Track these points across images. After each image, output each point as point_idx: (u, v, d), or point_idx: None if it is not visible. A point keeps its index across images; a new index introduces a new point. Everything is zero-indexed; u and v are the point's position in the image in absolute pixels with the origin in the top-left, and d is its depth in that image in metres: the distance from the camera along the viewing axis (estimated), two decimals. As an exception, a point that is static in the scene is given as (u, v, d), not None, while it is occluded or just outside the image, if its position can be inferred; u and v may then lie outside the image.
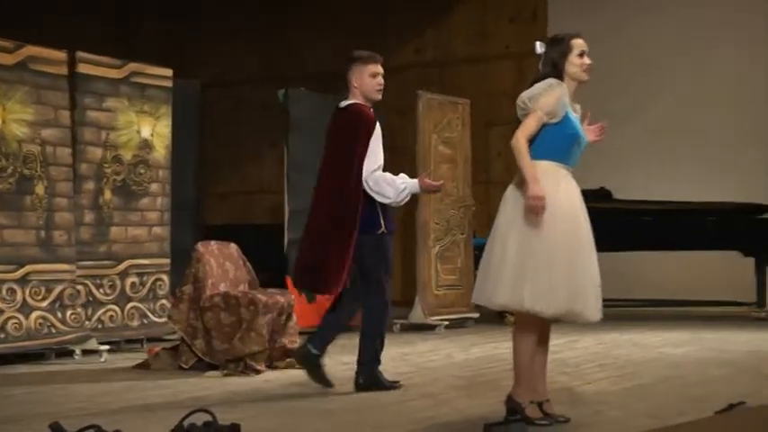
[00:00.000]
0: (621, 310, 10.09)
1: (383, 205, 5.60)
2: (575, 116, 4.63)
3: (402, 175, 5.69)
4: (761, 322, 9.58)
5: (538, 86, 4.55)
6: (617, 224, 9.99)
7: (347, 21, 13.29)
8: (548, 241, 4.42)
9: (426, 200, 9.21)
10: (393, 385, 5.68)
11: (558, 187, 4.50)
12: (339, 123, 5.68)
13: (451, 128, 9.60)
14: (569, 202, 4.52)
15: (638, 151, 11.21)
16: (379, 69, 5.66)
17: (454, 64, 12.54)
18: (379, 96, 5.66)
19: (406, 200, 5.63)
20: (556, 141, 4.53)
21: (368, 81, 5.63)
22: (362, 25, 13.18)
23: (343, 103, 5.72)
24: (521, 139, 4.48)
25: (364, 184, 5.49)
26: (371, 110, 5.68)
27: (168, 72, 8.30)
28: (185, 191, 8.92)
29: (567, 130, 4.53)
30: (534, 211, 4.40)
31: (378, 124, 5.62)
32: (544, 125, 4.51)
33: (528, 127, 4.49)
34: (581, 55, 4.60)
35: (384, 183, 5.52)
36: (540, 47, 4.70)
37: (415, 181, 5.65)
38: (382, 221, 5.61)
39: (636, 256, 10.49)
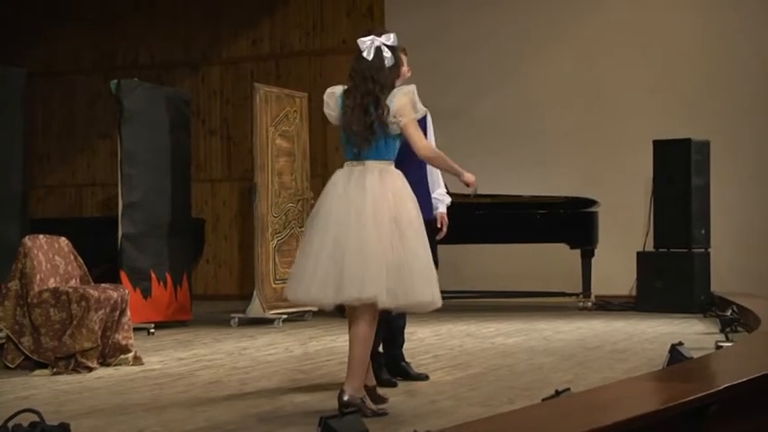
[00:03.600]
0: (456, 302, 10.32)
1: None
2: None
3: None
4: (587, 311, 9.99)
5: (410, 93, 4.63)
6: (451, 217, 10.17)
7: (181, 11, 13.08)
8: (376, 238, 4.47)
9: (264, 193, 9.16)
10: (390, 381, 5.54)
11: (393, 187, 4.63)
12: None
13: (289, 121, 9.58)
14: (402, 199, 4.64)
15: (472, 146, 11.46)
16: None
17: (291, 57, 12.52)
18: None
19: None
20: (401, 150, 4.71)
21: None
22: (197, 16, 13.00)
23: None
24: (430, 147, 4.76)
25: None
26: None
27: (-11, 58, 7.94)
28: (11, 183, 8.57)
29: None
30: (473, 182, 4.85)
31: None
32: (393, 136, 4.62)
33: (421, 135, 4.68)
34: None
35: None
36: (393, 39, 4.76)
37: None
38: None
39: (470, 249, 10.75)
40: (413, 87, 4.70)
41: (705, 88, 10.71)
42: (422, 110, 4.67)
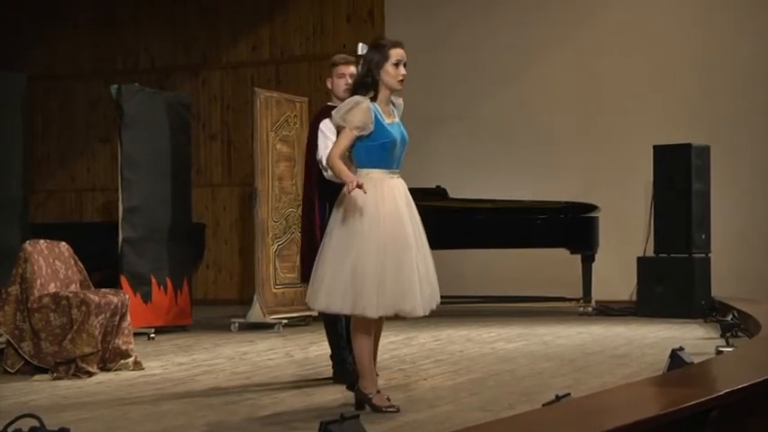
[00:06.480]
0: (456, 307, 10.31)
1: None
2: (390, 121, 4.87)
3: None
4: (587, 316, 9.98)
5: (345, 105, 4.83)
6: (451, 222, 10.22)
7: (181, 15, 13.08)
8: (371, 245, 4.68)
9: (264, 198, 9.16)
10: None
11: (382, 192, 4.78)
12: None
13: (289, 126, 9.59)
14: (393, 204, 4.79)
15: (472, 150, 11.47)
16: (346, 70, 5.81)
17: (291, 61, 12.52)
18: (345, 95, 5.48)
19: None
20: (373, 151, 4.82)
21: (336, 81, 5.88)
22: (197, 20, 13.01)
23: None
24: (334, 157, 4.77)
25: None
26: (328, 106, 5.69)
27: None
28: (11, 187, 8.57)
29: (380, 139, 4.82)
30: (350, 189, 4.61)
31: (323, 119, 5.61)
32: (359, 137, 4.78)
33: (340, 144, 4.81)
34: (396, 65, 4.87)
35: None
36: (361, 48, 4.92)
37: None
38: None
39: (470, 254, 10.75)
40: (350, 99, 4.84)
41: (705, 93, 10.71)
42: (337, 121, 4.81)
